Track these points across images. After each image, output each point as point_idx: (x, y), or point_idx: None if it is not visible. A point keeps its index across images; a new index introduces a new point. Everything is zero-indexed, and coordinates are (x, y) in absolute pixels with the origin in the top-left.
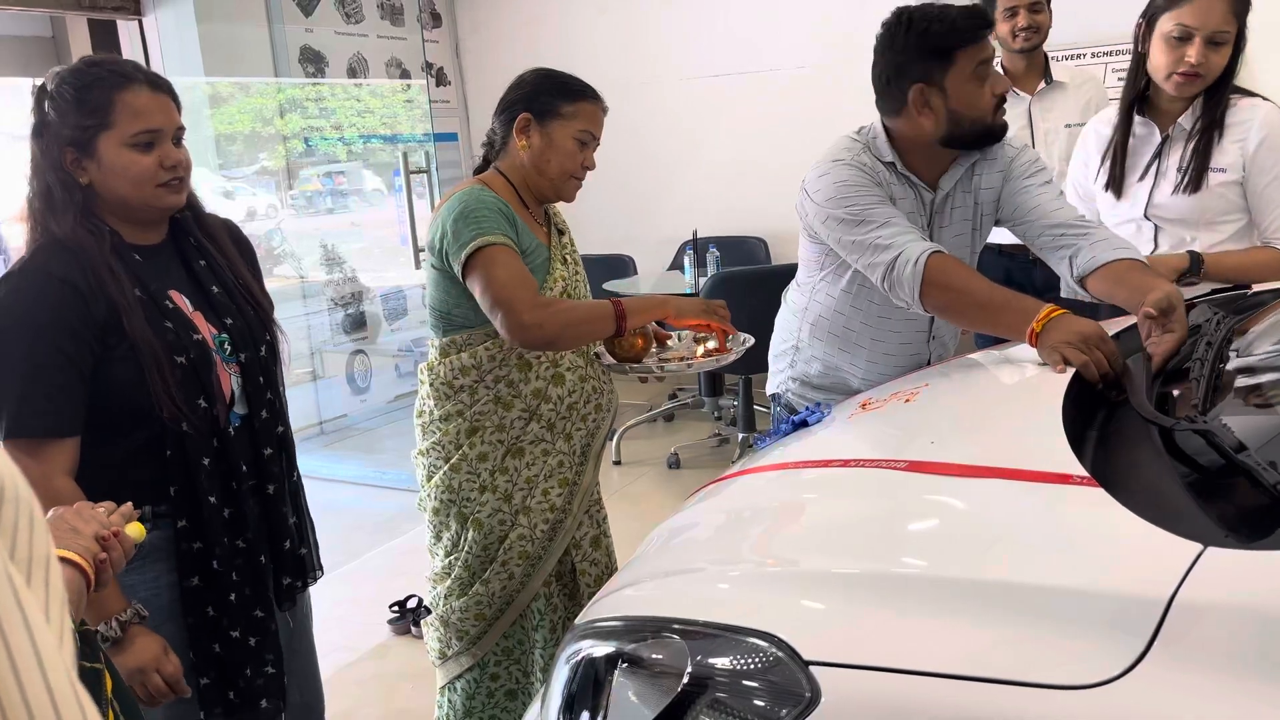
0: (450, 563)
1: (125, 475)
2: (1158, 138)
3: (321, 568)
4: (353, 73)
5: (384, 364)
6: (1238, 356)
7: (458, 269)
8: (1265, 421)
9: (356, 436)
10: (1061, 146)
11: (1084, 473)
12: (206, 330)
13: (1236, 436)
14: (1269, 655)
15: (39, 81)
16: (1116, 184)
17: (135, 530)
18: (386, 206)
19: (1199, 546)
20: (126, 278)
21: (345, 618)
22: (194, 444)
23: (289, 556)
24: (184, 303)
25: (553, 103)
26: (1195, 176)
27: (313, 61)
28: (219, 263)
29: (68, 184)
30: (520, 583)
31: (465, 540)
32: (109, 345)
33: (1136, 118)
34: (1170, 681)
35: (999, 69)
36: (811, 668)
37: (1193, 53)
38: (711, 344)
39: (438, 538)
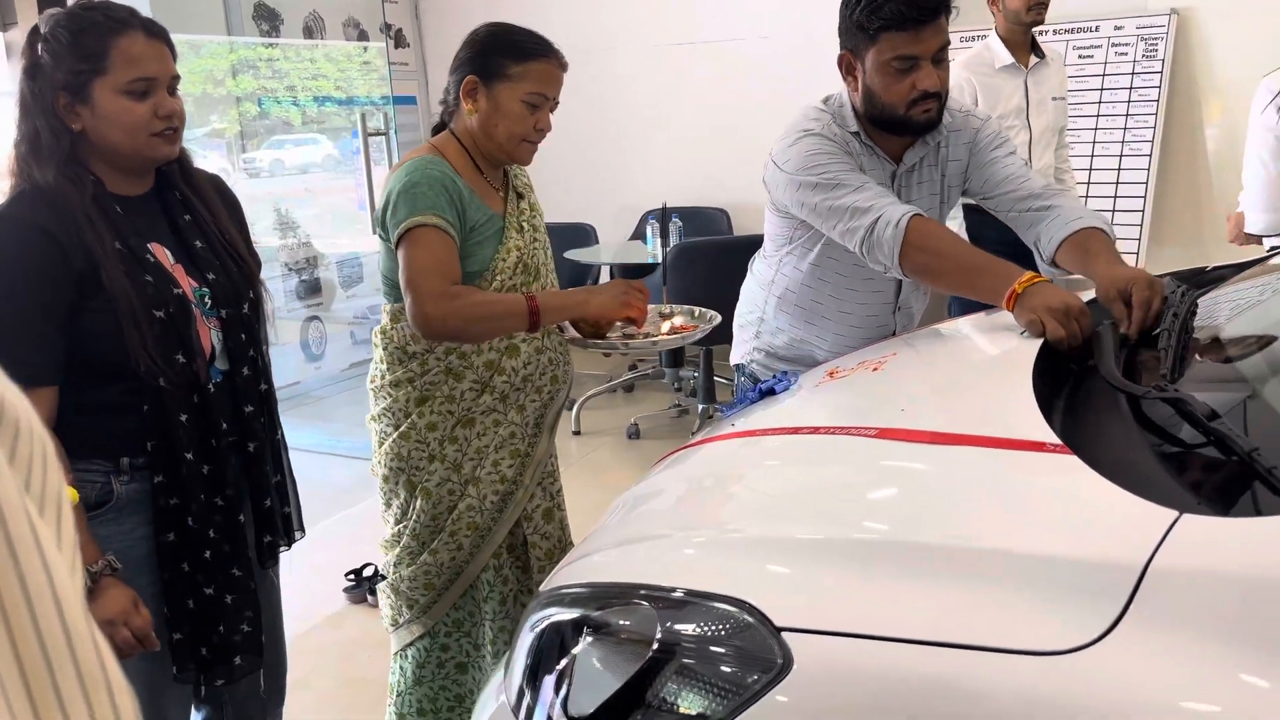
0: (400, 531)
1: (103, 425)
2: None
3: (303, 528)
4: (309, 32)
5: (339, 331)
6: (1202, 328)
7: (393, 244)
8: (1232, 389)
9: (311, 404)
10: (1048, 118)
11: (1057, 440)
12: (187, 284)
13: (1208, 405)
14: (1243, 621)
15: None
16: None
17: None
18: (342, 171)
19: (1174, 513)
20: (106, 229)
21: (301, 586)
22: (171, 399)
23: (271, 515)
24: (165, 256)
25: (500, 63)
26: None
27: (267, 19)
28: (204, 217)
29: (56, 129)
30: (469, 554)
31: (414, 509)
32: (86, 296)
33: None
34: (1145, 647)
35: (997, 43)
36: (784, 634)
37: None
38: (679, 320)
39: (388, 505)
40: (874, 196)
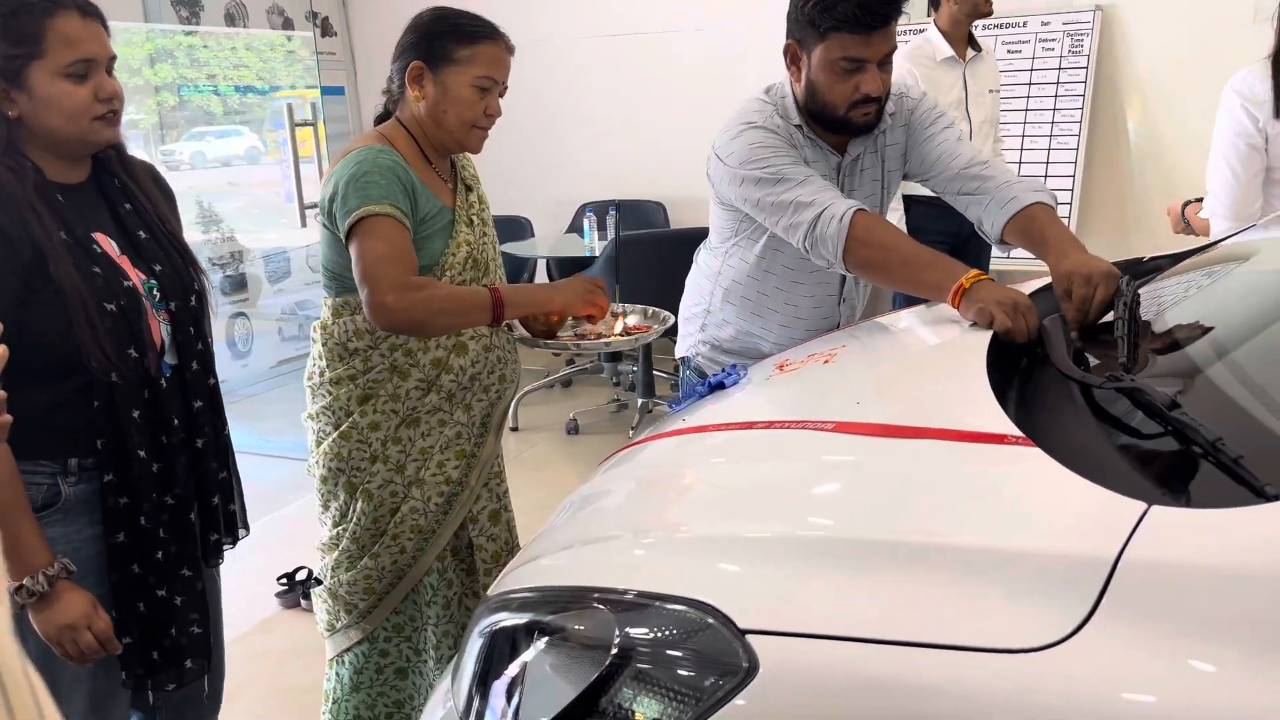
0: (339, 533)
1: (50, 425)
2: None
3: (247, 525)
4: (231, 19)
5: (266, 327)
6: (1150, 317)
7: (342, 235)
8: (1187, 379)
9: (238, 403)
10: (986, 110)
11: (1018, 432)
12: (135, 276)
13: (1167, 394)
14: (1217, 614)
15: None
16: None
17: None
18: (266, 163)
19: (1143, 505)
20: (51, 219)
21: (231, 590)
22: (123, 395)
23: (217, 513)
24: (110, 246)
25: (446, 47)
26: None
27: (187, 6)
28: (144, 206)
29: None
30: (412, 557)
31: (354, 511)
32: (32, 289)
33: None
34: (1118, 641)
35: (937, 36)
36: (748, 636)
37: None
38: (632, 320)
39: (325, 507)
40: (817, 191)
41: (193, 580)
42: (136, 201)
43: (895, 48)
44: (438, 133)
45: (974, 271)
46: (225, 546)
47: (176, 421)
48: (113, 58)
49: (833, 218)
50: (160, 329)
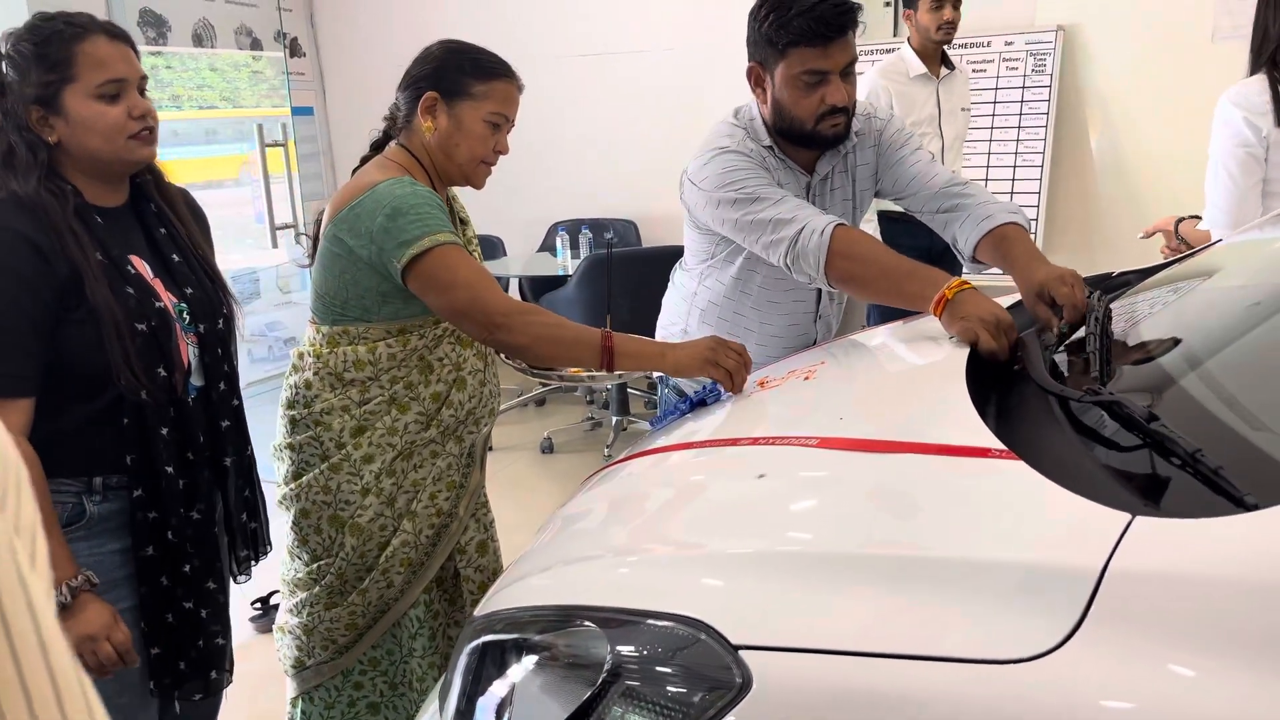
0: (320, 569)
1: (78, 444)
2: None
3: (270, 542)
4: (199, 40)
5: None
6: (1122, 331)
7: (397, 267)
8: (1163, 391)
9: None
10: (957, 127)
11: (1001, 445)
12: (167, 298)
13: (1145, 407)
14: (1204, 623)
15: None
16: None
17: None
18: (232, 185)
19: (1127, 515)
20: (89, 240)
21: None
22: (152, 413)
23: (243, 529)
24: (144, 269)
25: (462, 81)
26: None
27: (154, 25)
28: (178, 231)
29: (33, 144)
30: (399, 591)
31: (340, 547)
32: (67, 307)
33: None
34: (1106, 652)
35: (909, 54)
36: (741, 652)
37: None
38: None
39: (304, 541)
40: (795, 208)
41: (216, 593)
42: (171, 226)
43: (856, 57)
44: (446, 164)
45: (956, 281)
46: (250, 562)
47: (202, 439)
48: (144, 78)
49: (813, 232)
50: (188, 350)
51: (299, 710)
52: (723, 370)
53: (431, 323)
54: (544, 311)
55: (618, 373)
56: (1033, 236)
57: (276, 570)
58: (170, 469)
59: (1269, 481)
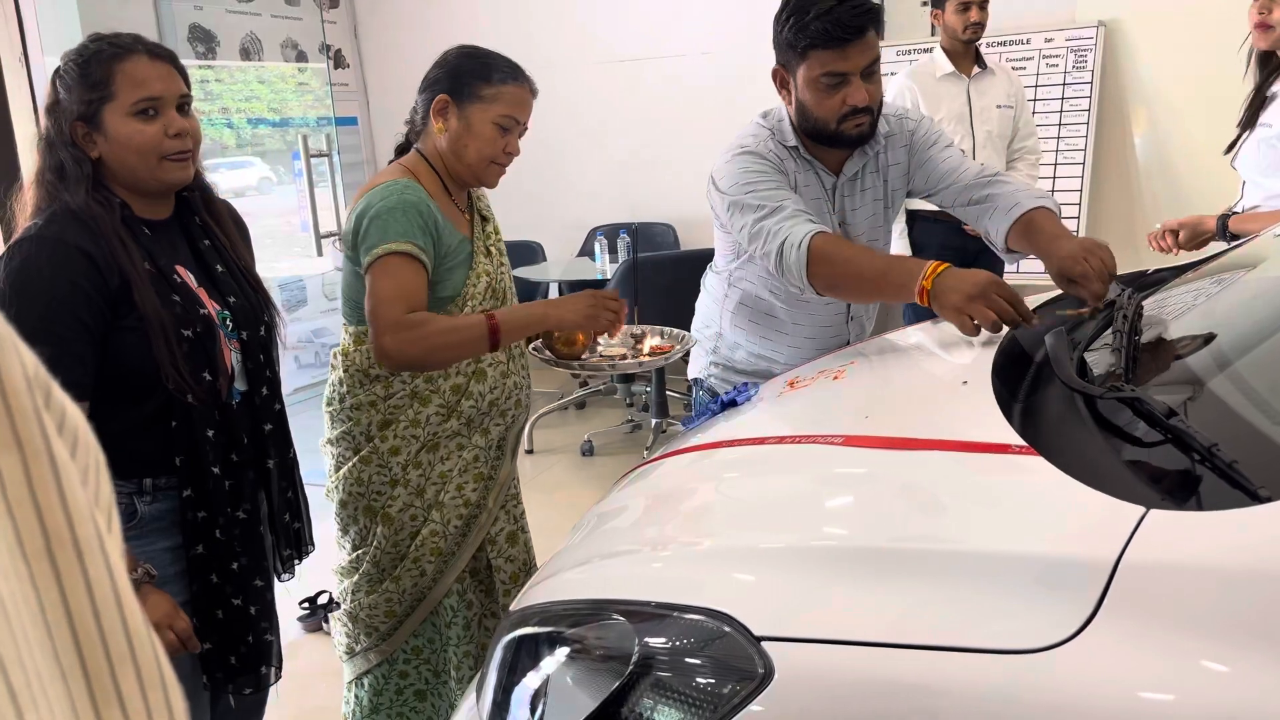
0: (359, 557)
1: (127, 448)
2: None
3: (313, 541)
4: (246, 54)
5: (283, 356)
6: (1150, 329)
7: (363, 271)
8: (1186, 388)
9: None
10: (994, 124)
11: (1021, 442)
12: (211, 306)
13: (1165, 404)
14: (1216, 613)
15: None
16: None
17: None
18: (280, 194)
19: (1141, 509)
20: (137, 250)
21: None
22: (199, 415)
23: (287, 529)
24: (190, 278)
25: (473, 84)
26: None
27: (203, 41)
28: (222, 243)
29: (79, 158)
30: (432, 579)
31: (374, 536)
32: (119, 315)
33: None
34: (1119, 642)
35: (940, 54)
36: (763, 643)
37: (1257, 7)
38: (656, 340)
39: (345, 531)
40: (782, 220)
41: (264, 590)
42: (215, 239)
43: (877, 56)
44: (457, 166)
45: (931, 265)
46: (295, 561)
47: (246, 442)
48: (186, 96)
49: (793, 246)
50: (232, 356)
51: (353, 694)
52: (604, 322)
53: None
54: (432, 319)
55: (645, 360)
56: (1073, 233)
57: (322, 570)
58: (216, 470)
59: None
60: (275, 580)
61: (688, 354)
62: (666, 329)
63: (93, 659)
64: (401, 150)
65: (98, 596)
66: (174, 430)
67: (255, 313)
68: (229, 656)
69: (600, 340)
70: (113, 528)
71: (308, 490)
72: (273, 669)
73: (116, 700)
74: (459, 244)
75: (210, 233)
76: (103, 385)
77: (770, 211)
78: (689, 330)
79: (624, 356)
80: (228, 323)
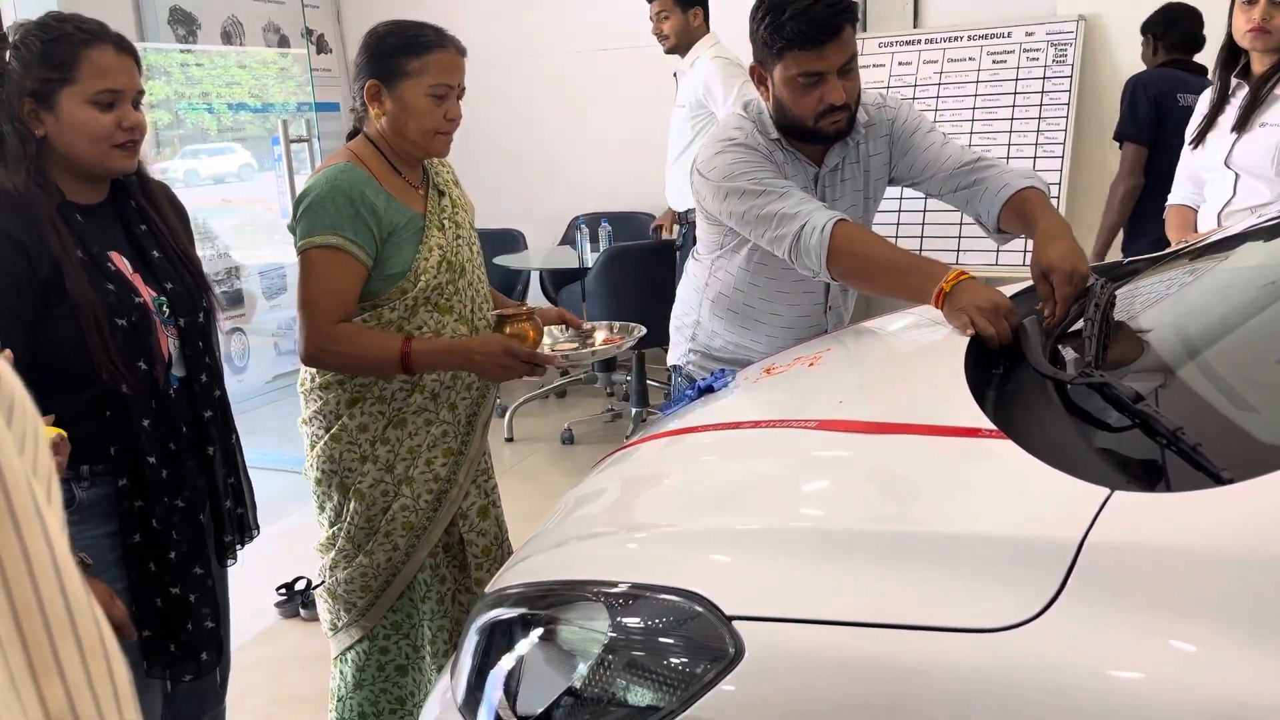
0: (334, 533)
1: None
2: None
3: (258, 526)
4: (227, 37)
5: (263, 343)
6: (1122, 317)
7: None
8: (1153, 375)
9: (235, 417)
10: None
11: (991, 425)
12: (146, 293)
13: (1132, 389)
14: (1178, 593)
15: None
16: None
17: (53, 432)
18: (259, 181)
19: (1105, 490)
20: (70, 237)
21: (231, 602)
22: (134, 405)
23: (228, 515)
24: (124, 265)
25: (397, 62)
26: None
27: (184, 23)
28: (159, 227)
29: (23, 134)
30: (405, 554)
31: (347, 511)
32: (50, 304)
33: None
34: (1083, 621)
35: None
36: (734, 623)
37: (1256, 12)
38: (602, 334)
39: (321, 508)
40: (799, 203)
41: (203, 578)
42: (151, 223)
43: (854, 54)
44: (402, 144)
45: (954, 272)
46: (237, 546)
47: (185, 430)
48: (140, 92)
49: (814, 230)
50: (169, 343)
51: (338, 670)
52: (517, 372)
53: (399, 292)
54: (353, 335)
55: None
56: None
57: (298, 557)
58: (153, 459)
59: (1248, 457)
60: (219, 567)
61: (647, 339)
62: (615, 324)
63: (31, 629)
64: (352, 136)
65: (35, 566)
66: (109, 420)
67: (193, 298)
68: (169, 644)
69: (548, 337)
70: (53, 499)
71: (252, 474)
72: (215, 656)
73: (56, 670)
74: (408, 220)
75: (147, 217)
76: (36, 374)
77: (778, 195)
78: (667, 319)
79: (574, 347)
80: (165, 309)
